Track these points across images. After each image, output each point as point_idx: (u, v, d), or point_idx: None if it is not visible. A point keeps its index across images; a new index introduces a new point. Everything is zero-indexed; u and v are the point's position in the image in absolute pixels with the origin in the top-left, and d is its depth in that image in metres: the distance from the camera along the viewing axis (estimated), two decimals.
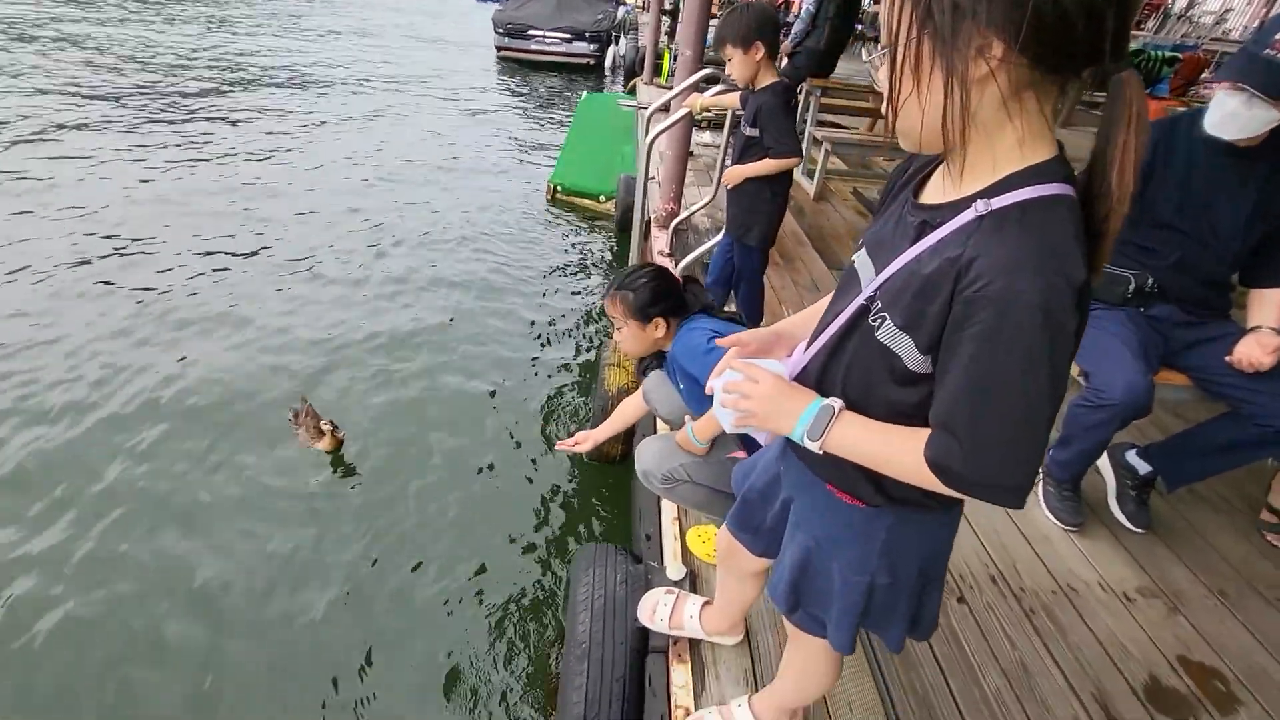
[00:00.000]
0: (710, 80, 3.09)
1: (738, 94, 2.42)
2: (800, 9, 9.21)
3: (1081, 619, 1.65)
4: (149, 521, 2.31)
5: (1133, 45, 9.27)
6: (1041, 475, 1.97)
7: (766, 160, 2.20)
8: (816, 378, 0.82)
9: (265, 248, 4.39)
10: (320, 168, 6.06)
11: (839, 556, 0.88)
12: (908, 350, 0.70)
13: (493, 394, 3.20)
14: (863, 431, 0.75)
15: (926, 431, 0.70)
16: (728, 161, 3.44)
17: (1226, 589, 1.78)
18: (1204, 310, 1.78)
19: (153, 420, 2.76)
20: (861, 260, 0.78)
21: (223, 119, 7.12)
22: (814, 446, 0.76)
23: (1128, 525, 1.94)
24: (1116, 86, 0.60)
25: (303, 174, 5.86)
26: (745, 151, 2.29)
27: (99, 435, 2.66)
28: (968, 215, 0.63)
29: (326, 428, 2.58)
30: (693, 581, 1.66)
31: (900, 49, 0.63)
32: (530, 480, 2.70)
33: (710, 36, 3.96)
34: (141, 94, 7.62)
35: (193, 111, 7.23)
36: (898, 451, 0.72)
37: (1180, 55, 8.07)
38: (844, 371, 0.79)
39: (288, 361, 3.26)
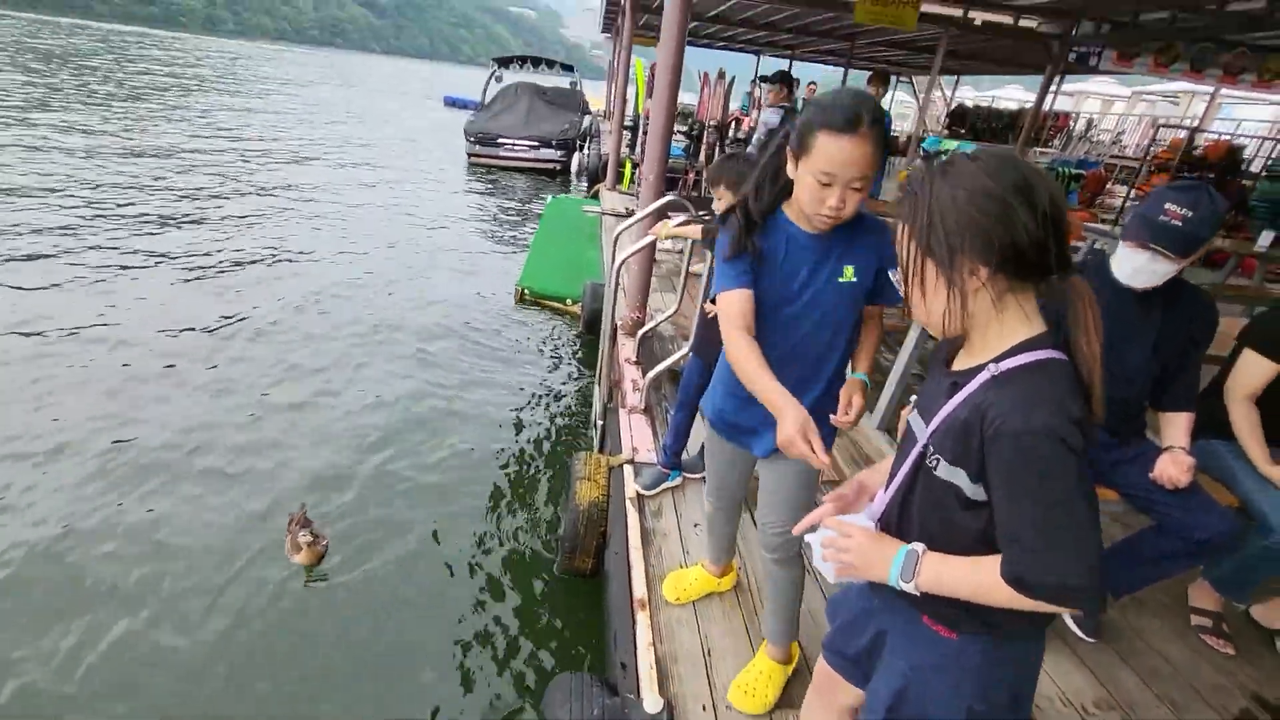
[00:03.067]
0: (674, 207, 3.37)
1: (699, 226, 2.64)
2: (748, 126, 10.10)
3: None
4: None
5: (1043, 162, 10.47)
6: None
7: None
8: (896, 515, 0.98)
9: (233, 352, 4.39)
10: (291, 266, 6.16)
11: (935, 686, 0.96)
12: (963, 480, 0.87)
13: (460, 504, 3.18)
14: (946, 566, 0.89)
15: (998, 557, 0.84)
16: (693, 267, 3.66)
17: (1174, 696, 1.87)
18: (1125, 433, 1.98)
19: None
20: (914, 419, 0.99)
21: (194, 222, 7.22)
22: (909, 588, 0.90)
23: (1080, 634, 2.04)
24: (1072, 290, 0.85)
25: (270, 276, 5.93)
26: None
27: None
28: (984, 375, 0.86)
29: (305, 539, 2.54)
30: (669, 713, 1.66)
31: (910, 271, 0.89)
32: (497, 596, 2.66)
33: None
34: (97, 201, 7.68)
35: (161, 219, 7.32)
36: (981, 577, 0.85)
37: (1084, 173, 9.09)
38: (918, 508, 0.95)
39: (250, 461, 3.20)
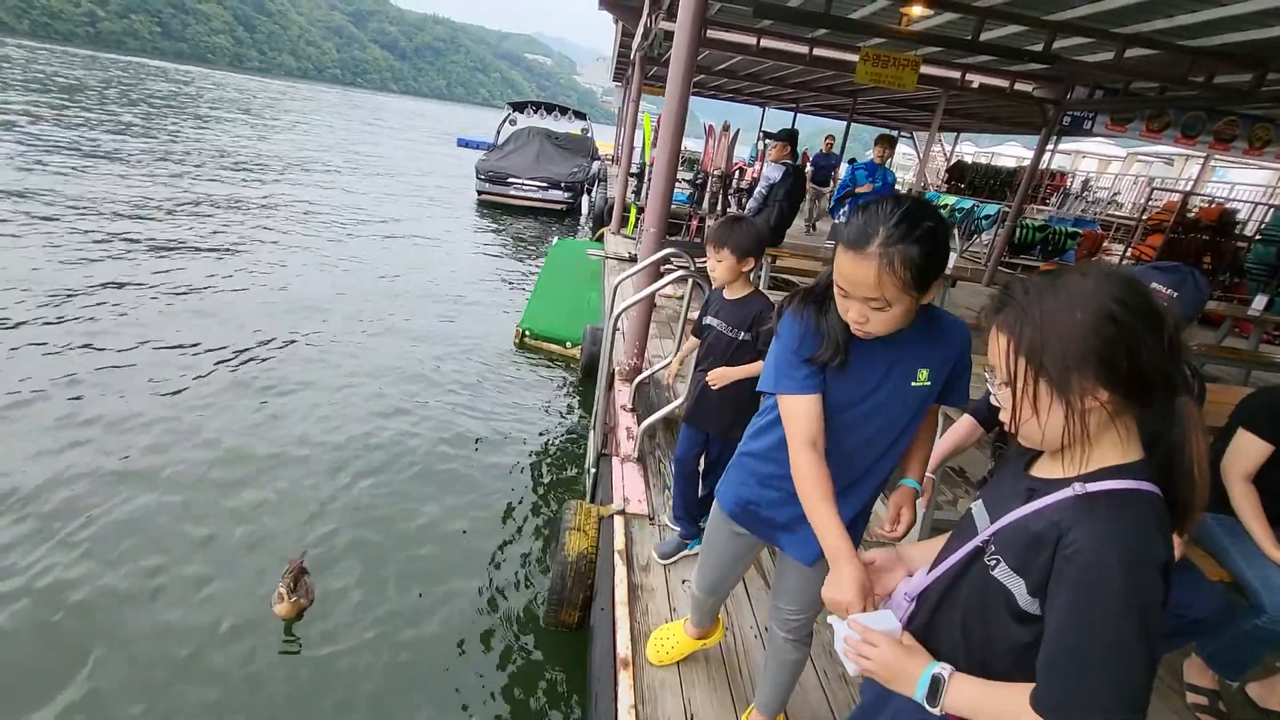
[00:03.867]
0: (672, 257, 3.44)
1: (694, 341, 2.47)
2: (751, 176, 10.36)
3: None
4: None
5: (1039, 220, 10.66)
6: None
7: (761, 363, 2.03)
8: (936, 599, 0.97)
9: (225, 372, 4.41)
10: (289, 298, 6.23)
11: None
12: (1020, 590, 0.84)
13: (447, 551, 3.15)
14: (974, 690, 0.87)
15: (1031, 686, 0.81)
16: (692, 314, 3.64)
17: None
18: None
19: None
20: (978, 509, 0.97)
21: (198, 250, 7.36)
22: (935, 711, 0.88)
23: None
24: (1181, 408, 0.84)
25: (275, 310, 6.00)
26: (734, 353, 2.25)
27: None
28: (1067, 492, 0.82)
29: (283, 590, 2.51)
30: None
31: (1019, 388, 0.84)
32: (482, 649, 2.61)
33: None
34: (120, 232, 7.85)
35: (167, 245, 7.47)
36: (1009, 704, 0.82)
37: (1080, 231, 9.27)
38: (963, 601, 0.93)
39: (229, 510, 3.18)
